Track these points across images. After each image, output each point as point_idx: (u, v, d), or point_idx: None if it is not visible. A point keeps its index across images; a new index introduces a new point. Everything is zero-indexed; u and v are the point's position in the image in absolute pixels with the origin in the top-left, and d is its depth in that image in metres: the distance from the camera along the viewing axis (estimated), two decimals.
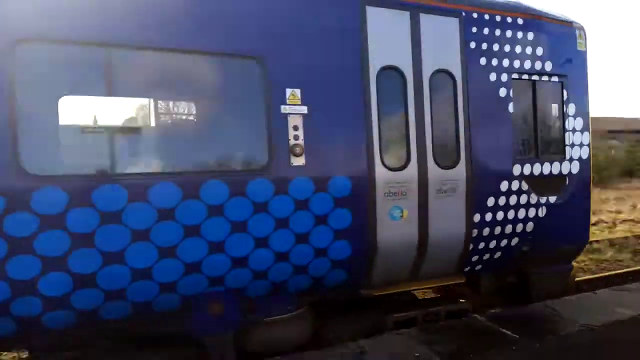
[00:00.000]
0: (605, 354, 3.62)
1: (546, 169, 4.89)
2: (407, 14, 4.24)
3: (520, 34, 4.75)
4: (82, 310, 3.22)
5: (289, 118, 3.71)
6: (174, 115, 3.84)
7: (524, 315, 4.46)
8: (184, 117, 3.88)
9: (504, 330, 4.10)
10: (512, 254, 4.81)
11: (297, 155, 3.70)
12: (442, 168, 4.32)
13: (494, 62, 4.62)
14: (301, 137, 3.73)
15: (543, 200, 4.82)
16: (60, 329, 3.27)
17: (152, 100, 3.58)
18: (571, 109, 5.07)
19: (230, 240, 3.53)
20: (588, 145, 5.20)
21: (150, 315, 3.52)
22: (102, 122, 3.32)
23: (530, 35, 4.81)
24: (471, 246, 4.53)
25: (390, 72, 4.16)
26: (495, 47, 4.62)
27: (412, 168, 4.20)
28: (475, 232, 4.50)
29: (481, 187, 4.50)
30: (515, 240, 4.75)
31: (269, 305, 3.95)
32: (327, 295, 4.26)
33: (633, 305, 4.60)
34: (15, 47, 2.98)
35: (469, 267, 4.69)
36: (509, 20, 4.71)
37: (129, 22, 3.28)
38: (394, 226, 4.11)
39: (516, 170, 4.67)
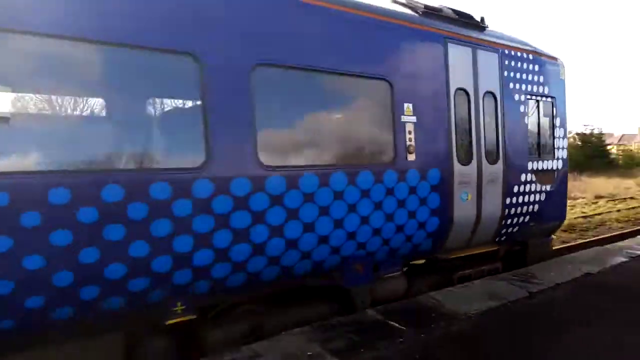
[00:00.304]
0: (479, 340, 3.90)
1: (544, 165, 6.56)
2: (470, 49, 5.71)
3: (531, 66, 6.38)
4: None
5: (405, 125, 4.99)
6: (348, 127, 4.94)
7: (411, 308, 4.68)
8: (354, 127, 4.96)
9: (392, 322, 4.24)
10: (523, 229, 6.44)
11: (410, 153, 4.99)
12: (490, 164, 5.82)
13: (517, 86, 6.22)
14: (413, 139, 5.03)
15: (542, 188, 6.50)
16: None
17: (339, 115, 4.93)
18: (557, 121, 6.80)
19: (373, 215, 4.73)
20: (566, 148, 7.03)
21: (322, 271, 4.65)
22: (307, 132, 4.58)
23: (536, 67, 6.47)
24: (503, 222, 6.09)
25: (460, 92, 5.58)
26: (517, 75, 6.23)
27: (474, 163, 5.67)
28: (506, 211, 6.06)
29: (510, 178, 6.05)
30: (527, 218, 6.39)
31: (386, 266, 5.22)
32: (417, 258, 5.61)
33: (500, 294, 5.05)
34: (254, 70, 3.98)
35: (498, 238, 6.22)
36: (525, 55, 6.33)
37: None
38: (463, 206, 5.55)
39: (529, 166, 6.32)
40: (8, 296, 3.04)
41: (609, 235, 11.23)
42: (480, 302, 4.80)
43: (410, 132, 5.04)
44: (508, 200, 6.05)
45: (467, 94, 5.64)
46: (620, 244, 7.94)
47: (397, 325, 4.19)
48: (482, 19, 6.09)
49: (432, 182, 5.20)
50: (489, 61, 5.90)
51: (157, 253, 3.50)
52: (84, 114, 3.78)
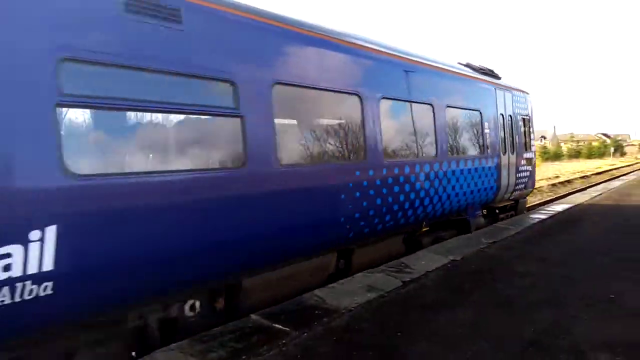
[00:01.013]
0: (356, 332, 4.06)
1: (528, 155, 11.41)
2: (502, 91, 10.29)
3: (519, 98, 11.24)
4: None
5: (485, 134, 9.21)
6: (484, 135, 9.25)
7: (295, 308, 4.69)
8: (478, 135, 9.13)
9: (276, 325, 4.22)
10: (519, 192, 11.09)
11: (487, 148, 9.27)
12: (511, 154, 10.30)
13: (517, 110, 10.91)
14: (488, 141, 9.37)
15: (527, 169, 11.29)
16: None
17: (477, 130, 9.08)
18: (531, 129, 11.90)
19: (478, 182, 8.83)
20: (535, 145, 12.36)
21: (457, 211, 8.50)
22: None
23: (521, 99, 11.36)
24: (514, 188, 10.61)
25: (500, 115, 9.97)
26: (516, 104, 10.93)
27: (507, 154, 10.12)
28: (516, 181, 10.61)
29: (517, 163, 10.67)
30: (521, 186, 11.05)
31: (475, 210, 9.24)
32: (485, 206, 9.95)
33: (378, 286, 5.34)
34: None
35: (510, 196, 10.68)
36: (517, 92, 11.17)
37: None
38: (503, 178, 9.84)
39: (525, 155, 11.18)
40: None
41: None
42: (360, 295, 5.01)
43: (487, 137, 9.27)
44: (517, 175, 10.67)
45: (503, 116, 10.13)
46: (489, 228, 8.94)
47: (280, 327, 4.18)
48: (497, 74, 10.56)
49: (493, 164, 9.41)
50: (508, 97, 10.58)
51: None
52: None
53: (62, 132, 3.31)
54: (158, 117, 4.28)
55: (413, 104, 7.16)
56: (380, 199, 6.21)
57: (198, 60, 4.16)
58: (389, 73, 6.71)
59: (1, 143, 2.99)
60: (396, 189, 6.52)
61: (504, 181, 9.86)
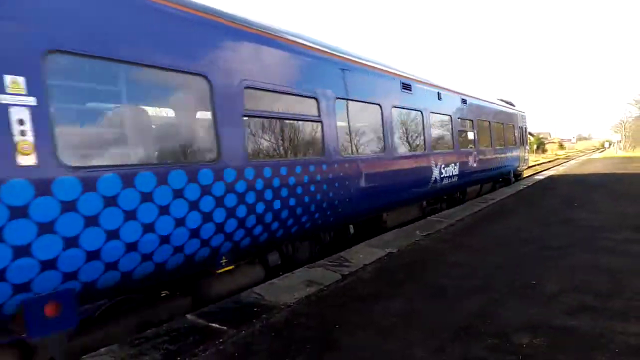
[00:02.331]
0: (295, 327, 4.06)
1: (526, 147, 21.22)
2: (520, 115, 20.20)
3: (523, 117, 20.62)
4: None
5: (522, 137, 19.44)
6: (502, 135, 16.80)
7: (234, 307, 4.62)
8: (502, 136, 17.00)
9: (213, 324, 4.12)
10: (513, 172, 18.71)
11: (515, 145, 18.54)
12: (521, 145, 19.63)
13: (524, 124, 20.64)
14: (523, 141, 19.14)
15: (525, 155, 20.83)
16: None
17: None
18: (527, 133, 21.65)
19: (503, 164, 16.94)
20: (528, 142, 21.93)
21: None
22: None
23: (523, 117, 20.53)
24: (517, 168, 19.15)
25: (519, 129, 19.71)
26: (523, 120, 20.60)
27: (519, 147, 18.97)
28: (521, 164, 19.75)
29: (523, 152, 20.05)
30: (514, 167, 18.63)
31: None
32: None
33: (318, 280, 5.39)
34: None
35: (512, 173, 18.45)
36: (522, 113, 20.29)
37: None
38: (516, 163, 18.57)
39: (517, 147, 18.90)
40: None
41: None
42: (300, 290, 5.02)
43: (521, 135, 18.73)
44: (507, 160, 16.97)
45: (522, 129, 19.66)
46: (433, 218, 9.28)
47: (217, 326, 4.09)
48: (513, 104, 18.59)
49: (515, 154, 18.27)
50: (522, 117, 19.90)
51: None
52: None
53: None
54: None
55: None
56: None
57: None
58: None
59: None
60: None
61: (515, 163, 18.60)
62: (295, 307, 4.55)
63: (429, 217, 9.96)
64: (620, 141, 65.03)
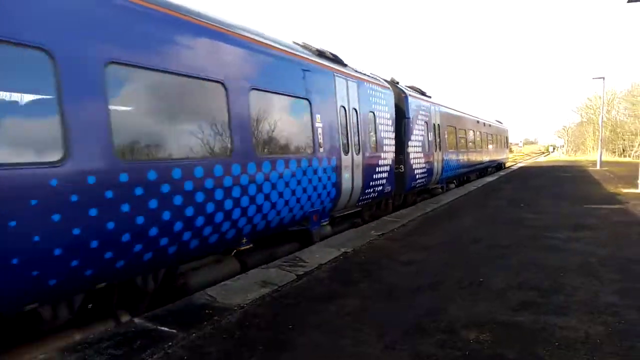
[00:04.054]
0: (247, 328, 4.00)
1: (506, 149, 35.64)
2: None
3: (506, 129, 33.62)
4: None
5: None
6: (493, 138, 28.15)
7: (184, 309, 4.48)
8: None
9: (162, 328, 3.98)
10: (504, 163, 33.41)
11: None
12: (500, 148, 31.02)
13: (506, 135, 35.50)
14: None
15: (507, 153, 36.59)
16: None
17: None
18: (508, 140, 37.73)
19: (501, 157, 32.55)
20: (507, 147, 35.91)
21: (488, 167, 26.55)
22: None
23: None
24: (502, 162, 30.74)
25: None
26: (505, 131, 34.85)
27: (499, 148, 30.82)
28: (502, 158, 32.01)
29: (503, 153, 32.67)
30: (504, 160, 33.48)
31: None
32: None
33: (273, 281, 5.35)
34: None
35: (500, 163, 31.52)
36: (503, 126, 33.46)
37: None
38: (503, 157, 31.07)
39: (505, 149, 34.59)
40: None
41: None
42: (254, 292, 4.95)
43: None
44: (493, 156, 27.49)
45: (507, 139, 35.48)
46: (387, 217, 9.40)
47: (167, 329, 3.95)
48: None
49: (505, 153, 34.84)
50: (507, 131, 35.24)
51: None
52: None
53: None
54: None
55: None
56: None
57: None
58: None
59: None
60: None
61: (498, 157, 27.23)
62: (248, 308, 4.48)
63: (383, 217, 10.10)
64: (563, 145, 68.90)
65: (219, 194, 5.29)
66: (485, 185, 17.92)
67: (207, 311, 4.40)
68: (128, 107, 4.61)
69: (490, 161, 26.01)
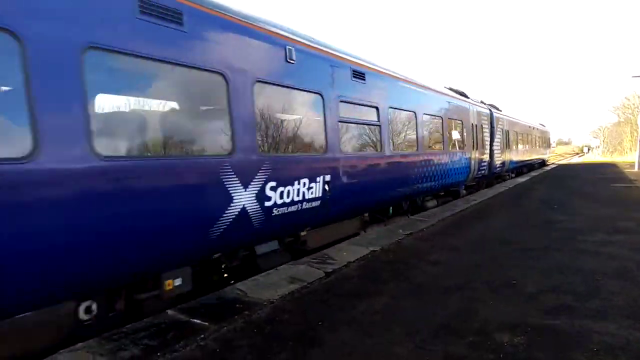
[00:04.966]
0: (277, 323, 4.04)
1: (548, 149, 41.25)
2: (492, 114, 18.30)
3: (486, 113, 17.97)
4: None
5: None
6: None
7: (216, 302, 4.57)
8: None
9: (195, 320, 4.07)
10: (546, 160, 37.77)
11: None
12: (544, 148, 36.31)
13: (548, 136, 42.19)
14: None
15: (548, 152, 41.79)
16: None
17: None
18: (549, 141, 44.10)
19: (544, 155, 37.65)
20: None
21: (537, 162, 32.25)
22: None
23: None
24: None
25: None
26: (548, 134, 41.30)
27: (542, 148, 35.03)
28: (545, 156, 37.21)
29: (545, 152, 38.25)
30: (546, 158, 38.26)
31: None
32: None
33: (301, 277, 5.38)
34: None
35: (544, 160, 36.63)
36: (545, 129, 39.16)
37: None
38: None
39: (547, 148, 40.56)
40: None
41: None
42: (283, 287, 5.00)
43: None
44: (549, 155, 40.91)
45: (549, 140, 41.91)
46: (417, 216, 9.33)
47: (199, 322, 4.04)
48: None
49: (547, 152, 39.96)
50: (549, 133, 41.49)
51: None
52: None
53: None
54: None
55: None
56: None
57: None
58: None
59: None
60: None
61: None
62: (278, 303, 4.53)
63: (411, 217, 10.02)
64: (598, 146, 66.62)
65: (442, 166, 11.35)
66: (517, 185, 17.57)
67: (237, 305, 4.47)
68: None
69: (537, 158, 31.98)
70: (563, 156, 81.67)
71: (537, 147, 31.60)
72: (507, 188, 16.46)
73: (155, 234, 4.05)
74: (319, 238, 7.03)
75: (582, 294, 4.67)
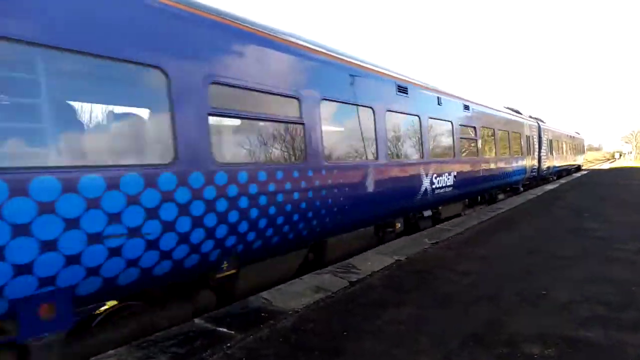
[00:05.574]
0: (302, 332, 4.05)
1: (582, 154, 45.15)
2: (537, 125, 21.42)
3: (535, 125, 20.77)
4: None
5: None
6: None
7: (241, 312, 4.60)
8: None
9: (221, 329, 4.12)
10: (580, 165, 40.24)
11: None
12: (577, 155, 38.38)
13: (583, 143, 47.28)
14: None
15: (582, 157, 44.71)
16: None
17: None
18: (584, 148, 48.56)
19: (576, 160, 38.08)
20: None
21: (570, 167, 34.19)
22: None
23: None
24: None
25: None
26: (582, 141, 44.23)
27: (573, 155, 35.40)
28: (577, 161, 37.92)
29: (580, 157, 40.68)
30: (581, 162, 41.37)
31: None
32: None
33: (326, 287, 5.38)
34: None
35: (578, 164, 38.99)
36: (579, 136, 42.00)
37: None
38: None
39: (582, 154, 45.02)
40: None
41: None
42: (308, 296, 5.00)
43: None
44: (583, 160, 45.00)
45: (584, 147, 45.25)
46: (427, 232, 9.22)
47: (226, 330, 4.09)
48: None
49: (581, 158, 40.06)
50: (583, 140, 45.44)
51: None
52: None
53: None
54: None
55: None
56: None
57: None
58: None
59: None
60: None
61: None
62: (303, 313, 4.54)
63: (437, 226, 9.90)
64: (631, 152, 64.55)
65: (509, 168, 15.23)
66: (547, 192, 17.16)
67: (262, 314, 4.50)
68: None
69: (574, 163, 35.43)
70: (593, 162, 79.35)
71: (574, 154, 35.34)
72: (534, 196, 16.10)
73: (392, 202, 7.86)
74: (446, 212, 10.84)
75: (616, 305, 4.52)
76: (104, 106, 4.14)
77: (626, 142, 76.54)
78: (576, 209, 11.98)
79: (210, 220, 4.38)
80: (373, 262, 6.52)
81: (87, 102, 3.98)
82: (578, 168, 38.49)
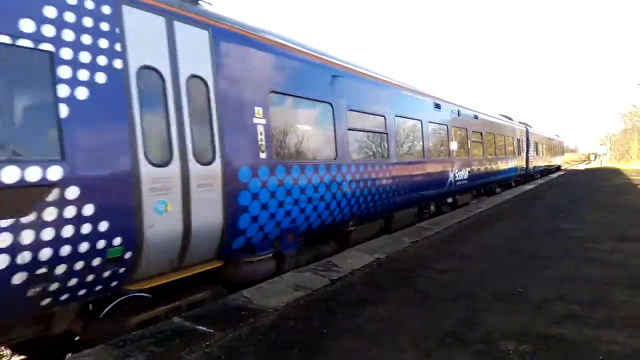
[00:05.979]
0: (281, 329, 4.05)
1: (562, 155, 51.03)
2: (526, 129, 25.04)
3: (524, 130, 24.31)
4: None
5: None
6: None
7: (221, 309, 4.57)
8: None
9: (200, 327, 4.08)
10: (557, 167, 41.60)
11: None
12: (558, 156, 43.87)
13: (562, 147, 52.08)
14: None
15: (562, 159, 50.38)
16: None
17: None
18: (563, 149, 53.99)
19: (557, 161, 42.79)
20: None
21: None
22: None
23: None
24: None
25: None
26: (562, 144, 50.26)
27: (553, 156, 39.98)
28: (557, 161, 42.42)
29: (560, 158, 46.23)
30: (560, 163, 44.78)
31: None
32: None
33: (306, 285, 5.38)
34: None
35: (558, 165, 43.70)
36: (559, 140, 46.30)
37: None
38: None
39: (561, 155, 49.56)
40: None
41: None
42: (288, 295, 4.99)
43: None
44: (563, 161, 49.41)
45: (563, 148, 49.29)
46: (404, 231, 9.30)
47: (204, 329, 4.05)
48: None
49: (560, 159, 45.72)
50: (563, 144, 51.78)
51: None
52: None
53: None
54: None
55: None
56: None
57: None
58: None
59: None
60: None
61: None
62: (283, 311, 4.53)
63: (417, 224, 9.99)
64: (605, 153, 66.34)
65: (505, 166, 18.73)
66: (525, 192, 17.51)
67: (242, 312, 4.47)
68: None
69: (555, 163, 38.90)
70: (570, 163, 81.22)
71: (556, 155, 40.07)
72: (512, 196, 16.40)
73: (430, 190, 10.76)
74: (461, 200, 13.73)
75: (589, 303, 4.64)
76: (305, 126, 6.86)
77: (601, 144, 78.63)
78: (554, 209, 12.26)
79: (351, 194, 7.42)
80: (354, 260, 6.55)
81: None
82: (558, 168, 42.01)
